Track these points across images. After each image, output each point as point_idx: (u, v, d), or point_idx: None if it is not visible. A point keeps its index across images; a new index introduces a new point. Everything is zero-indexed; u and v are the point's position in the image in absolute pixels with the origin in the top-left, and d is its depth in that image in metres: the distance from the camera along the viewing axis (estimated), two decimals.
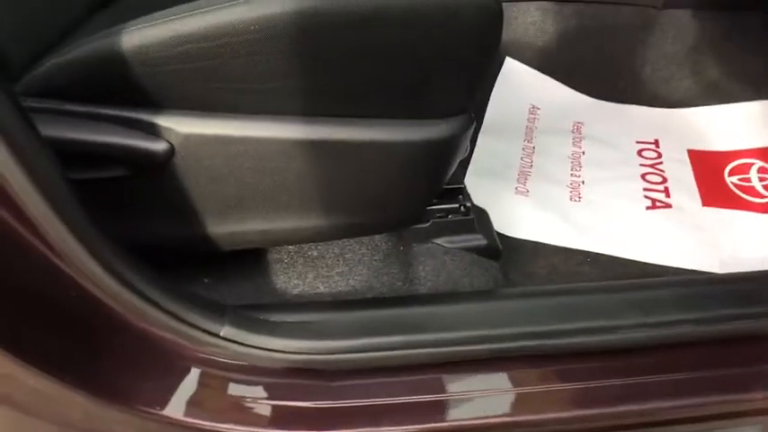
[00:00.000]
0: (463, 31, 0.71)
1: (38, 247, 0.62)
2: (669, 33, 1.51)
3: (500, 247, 0.97)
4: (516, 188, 1.20)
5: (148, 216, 0.81)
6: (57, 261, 0.64)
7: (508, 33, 1.50)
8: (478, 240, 0.94)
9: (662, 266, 1.05)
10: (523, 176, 1.24)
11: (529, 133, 1.37)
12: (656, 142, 1.35)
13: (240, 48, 0.67)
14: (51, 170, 0.63)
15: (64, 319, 0.67)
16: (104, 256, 0.65)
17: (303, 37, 0.67)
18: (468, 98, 0.80)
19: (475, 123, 0.83)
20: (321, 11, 0.66)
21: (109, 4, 1.00)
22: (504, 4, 1.49)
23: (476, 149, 1.27)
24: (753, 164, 1.27)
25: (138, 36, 0.68)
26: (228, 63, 0.68)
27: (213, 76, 0.70)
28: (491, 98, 1.42)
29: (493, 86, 1.44)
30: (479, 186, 1.15)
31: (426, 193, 0.85)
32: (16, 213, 0.59)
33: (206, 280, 0.91)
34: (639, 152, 1.33)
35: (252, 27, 0.66)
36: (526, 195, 1.18)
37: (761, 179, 1.23)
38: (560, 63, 1.50)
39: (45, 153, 0.62)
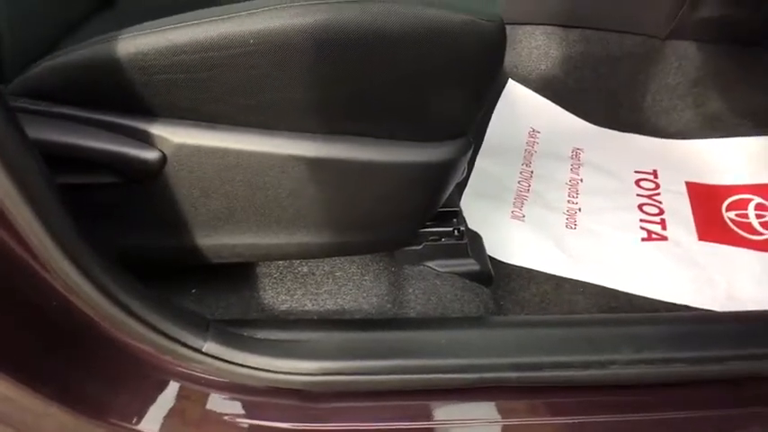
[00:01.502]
0: (465, 55, 0.70)
1: (18, 253, 0.61)
2: (672, 64, 1.51)
3: (492, 273, 0.96)
4: (512, 212, 1.19)
5: (137, 225, 0.80)
6: (37, 268, 0.62)
7: (512, 56, 1.49)
8: (471, 265, 0.93)
9: (655, 300, 1.03)
10: (520, 201, 1.23)
11: (527, 157, 1.36)
12: (655, 173, 1.35)
13: (236, 60, 0.66)
14: (37, 174, 0.61)
15: (42, 328, 0.65)
16: (87, 266, 0.64)
17: (301, 53, 0.66)
18: (467, 122, 0.79)
19: (473, 146, 0.82)
20: (320, 28, 0.65)
21: (110, 5, 0.99)
22: (509, 26, 1.49)
23: (473, 171, 1.26)
24: (751, 200, 1.26)
25: (134, 43, 0.67)
26: (224, 75, 0.67)
27: (208, 87, 0.69)
28: (491, 120, 1.41)
29: (494, 108, 1.43)
30: (475, 209, 1.14)
31: (420, 216, 0.83)
32: None
33: (193, 290, 0.89)
34: (637, 182, 1.32)
35: (250, 41, 0.65)
36: (522, 220, 1.17)
37: (758, 216, 1.23)
38: (563, 88, 1.50)
39: (31, 156, 0.61)
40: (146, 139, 0.72)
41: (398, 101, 0.72)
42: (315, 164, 0.74)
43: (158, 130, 0.72)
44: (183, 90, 0.69)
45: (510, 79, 1.48)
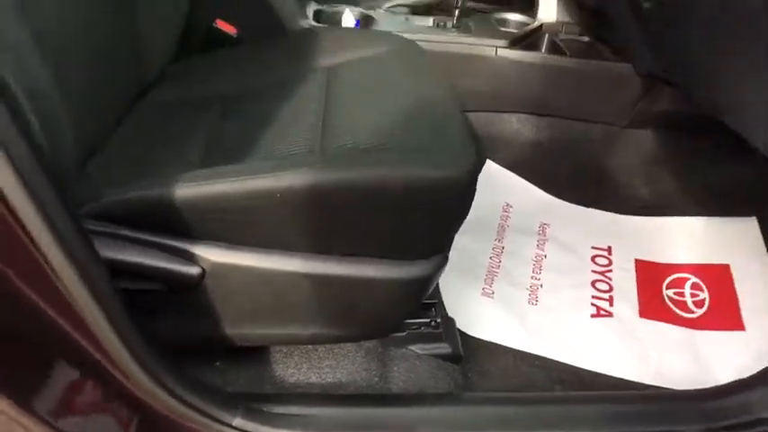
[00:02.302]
0: (446, 203, 0.91)
1: (90, 352, 0.81)
2: (630, 149, 1.73)
3: (462, 354, 1.17)
4: (483, 289, 1.40)
5: (173, 319, 1.00)
6: (100, 358, 0.82)
7: (490, 139, 1.70)
8: (444, 348, 1.14)
9: (599, 374, 1.24)
10: (491, 277, 1.43)
11: (500, 232, 1.57)
12: (609, 249, 1.56)
13: (268, 207, 0.87)
14: (107, 286, 0.81)
15: (109, 411, 0.86)
16: (144, 359, 0.84)
17: (314, 204, 0.87)
18: (444, 243, 1.00)
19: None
20: (329, 186, 0.86)
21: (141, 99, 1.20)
22: (490, 113, 1.71)
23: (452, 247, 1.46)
24: (688, 279, 1.47)
25: (191, 191, 0.87)
26: (258, 217, 0.88)
27: (245, 224, 0.89)
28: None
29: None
30: (451, 285, 1.34)
31: (404, 316, 1.04)
32: (77, 323, 0.78)
33: (218, 364, 1.09)
34: (593, 258, 1.53)
35: (277, 194, 0.86)
36: (491, 297, 1.38)
37: (692, 295, 1.44)
38: (534, 167, 1.71)
39: (103, 271, 0.80)
40: (190, 258, 0.92)
41: (390, 235, 0.92)
42: (319, 279, 0.94)
43: (201, 250, 0.92)
44: (225, 225, 0.89)
45: (488, 159, 1.68)
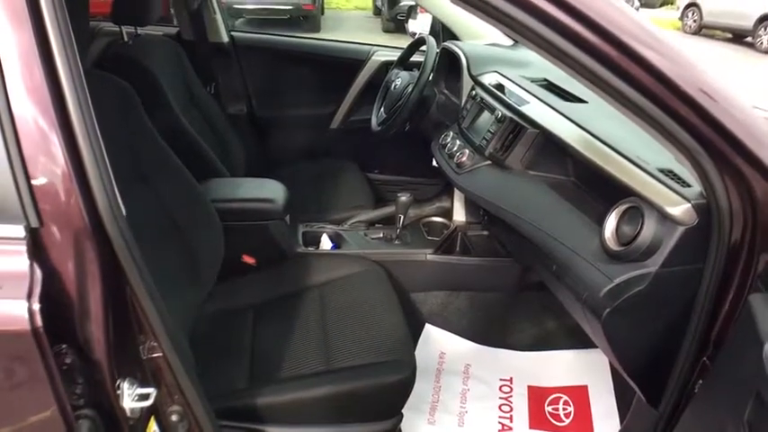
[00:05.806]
0: (395, 395, 1.69)
1: None
2: (521, 305, 2.55)
3: None
4: (428, 419, 2.16)
5: None
6: None
7: (427, 308, 2.51)
8: None
9: None
10: (433, 410, 2.20)
11: (437, 375, 2.35)
12: (511, 380, 2.35)
13: (303, 407, 1.64)
14: None
15: None
16: None
17: (329, 400, 1.64)
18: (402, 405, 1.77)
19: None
20: (338, 392, 1.63)
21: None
22: (423, 293, 2.51)
23: None
24: (561, 397, 2.27)
25: (260, 401, 1.63)
26: (298, 411, 1.65)
27: (291, 413, 1.66)
28: (416, 351, 2.40)
29: (417, 342, 2.42)
30: (406, 418, 2.09)
31: None
32: None
33: None
34: (500, 387, 2.31)
35: (310, 401, 1.63)
36: (434, 425, 2.14)
37: (564, 409, 2.22)
38: (458, 324, 2.51)
39: None
40: None
41: (376, 411, 1.69)
42: None
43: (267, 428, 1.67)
44: (280, 415, 1.65)
45: (426, 323, 2.49)
